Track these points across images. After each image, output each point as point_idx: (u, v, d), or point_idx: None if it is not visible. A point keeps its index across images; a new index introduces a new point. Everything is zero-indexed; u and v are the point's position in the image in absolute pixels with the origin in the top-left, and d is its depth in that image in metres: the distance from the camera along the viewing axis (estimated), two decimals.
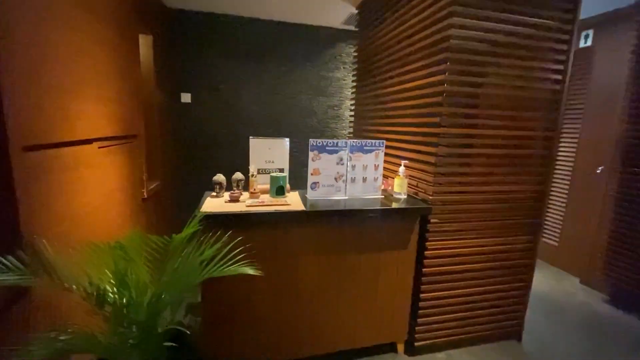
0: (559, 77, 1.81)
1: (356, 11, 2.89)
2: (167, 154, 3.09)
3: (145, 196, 2.40)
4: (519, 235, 1.97)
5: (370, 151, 1.88)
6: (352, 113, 3.01)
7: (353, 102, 2.98)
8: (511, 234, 1.95)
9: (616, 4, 2.65)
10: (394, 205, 1.76)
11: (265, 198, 1.72)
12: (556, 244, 3.28)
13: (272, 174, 1.77)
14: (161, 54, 2.87)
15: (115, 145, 1.91)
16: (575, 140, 3.11)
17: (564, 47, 1.78)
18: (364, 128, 2.69)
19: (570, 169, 3.16)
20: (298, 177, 2.40)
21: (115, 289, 1.21)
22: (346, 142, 1.82)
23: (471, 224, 1.86)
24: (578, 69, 2.96)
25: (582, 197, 3.03)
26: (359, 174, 1.88)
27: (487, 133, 1.79)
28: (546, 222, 3.33)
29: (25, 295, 1.12)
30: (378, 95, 2.39)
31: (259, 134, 3.32)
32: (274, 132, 3.58)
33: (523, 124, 1.84)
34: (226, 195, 1.72)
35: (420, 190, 1.88)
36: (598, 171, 2.87)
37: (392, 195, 1.92)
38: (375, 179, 1.92)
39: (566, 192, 3.20)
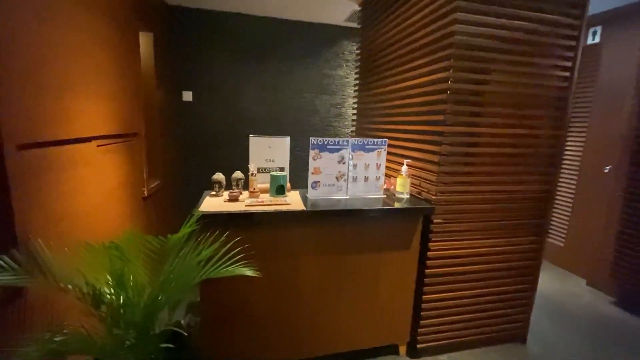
0: (567, 74, 1.76)
1: (359, 8, 2.85)
2: (168, 153, 3.08)
3: (146, 195, 2.39)
4: (524, 236, 1.93)
5: (372, 150, 1.84)
6: (355, 111, 2.97)
7: (356, 100, 2.94)
8: (516, 235, 1.91)
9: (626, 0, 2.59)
10: (397, 205, 1.72)
11: (265, 197, 1.69)
12: (562, 244, 3.23)
13: (272, 173, 1.74)
14: (162, 52, 2.85)
15: (115, 143, 1.90)
16: (582, 139, 3.05)
17: (572, 43, 1.73)
18: (367, 126, 2.65)
19: (577, 168, 3.10)
20: (300, 176, 2.38)
21: (111, 290, 1.19)
22: (347, 141, 1.79)
23: (475, 225, 1.83)
24: (585, 66, 2.90)
25: (589, 197, 2.98)
26: (360, 173, 1.85)
27: (492, 131, 1.75)
28: (552, 222, 3.28)
29: (21, 295, 1.10)
30: (381, 93, 2.35)
31: (261, 132, 3.29)
32: (276, 130, 3.56)
33: (529, 122, 1.80)
34: (225, 194, 1.70)
35: (423, 189, 1.84)
36: (605, 170, 2.81)
37: (394, 195, 1.89)
38: (377, 178, 1.89)
39: (572, 191, 3.14)
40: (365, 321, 1.78)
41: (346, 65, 3.67)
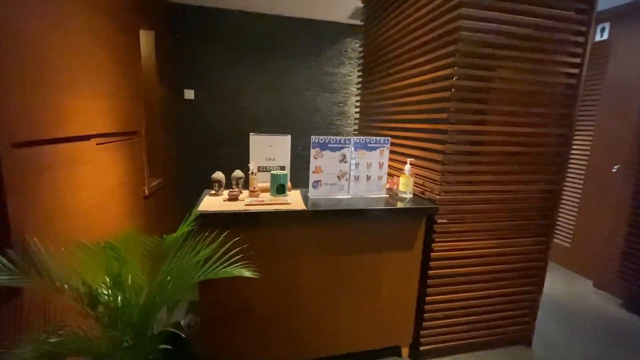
0: (575, 70, 1.72)
1: (362, 5, 2.81)
2: (169, 151, 3.07)
3: (147, 193, 2.38)
4: (529, 237, 1.89)
5: (375, 148, 1.81)
6: (357, 110, 2.94)
7: (358, 98, 2.91)
8: (521, 236, 1.87)
9: None
10: (399, 204, 1.69)
11: (265, 197, 1.67)
12: (568, 244, 3.17)
13: (272, 172, 1.72)
14: (163, 50, 2.83)
15: (115, 142, 1.88)
16: (590, 138, 2.99)
17: (581, 39, 1.69)
18: (369, 125, 2.62)
19: (584, 167, 3.04)
20: (302, 175, 2.35)
21: (109, 290, 1.18)
22: (349, 139, 1.75)
23: (479, 225, 1.79)
24: (593, 63, 2.84)
25: (596, 197, 2.92)
26: (362, 172, 1.81)
27: (497, 130, 1.71)
28: (558, 222, 3.22)
29: (17, 295, 1.09)
30: (384, 91, 2.32)
31: (263, 130, 3.27)
32: (278, 128, 3.54)
33: (535, 120, 1.76)
34: (225, 193, 1.68)
35: (426, 189, 1.81)
36: (613, 170, 2.75)
37: (397, 195, 1.86)
38: (380, 178, 1.85)
39: (579, 191, 3.08)
40: (366, 322, 1.75)
41: (349, 63, 3.64)
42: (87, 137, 1.56)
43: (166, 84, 2.94)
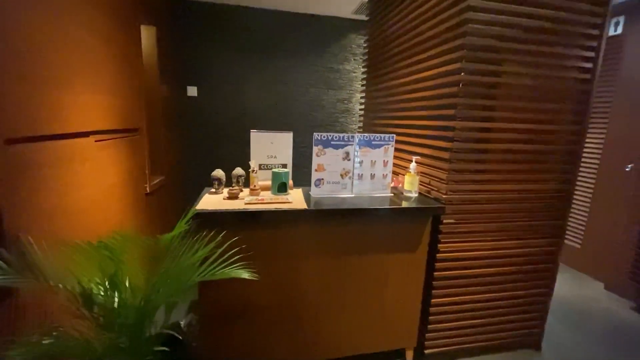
0: (590, 65, 1.64)
1: None
2: (172, 148, 3.05)
3: (148, 191, 2.36)
4: (539, 238, 1.82)
5: (379, 146, 1.76)
6: (362, 107, 2.88)
7: (363, 95, 2.85)
8: (531, 237, 1.81)
9: None
10: (404, 204, 1.64)
11: (266, 195, 1.63)
12: (578, 245, 3.09)
13: (274, 170, 1.67)
14: (166, 46, 2.80)
15: (115, 139, 1.86)
16: (602, 136, 2.90)
17: (596, 32, 1.61)
18: (374, 122, 2.56)
19: (596, 165, 2.95)
20: (305, 173, 2.31)
21: (104, 291, 1.15)
22: (353, 136, 1.70)
23: (487, 225, 1.73)
24: (606, 59, 2.74)
25: (608, 196, 2.83)
26: (366, 171, 1.76)
27: (507, 127, 1.64)
28: (568, 223, 3.13)
29: (10, 295, 1.06)
30: (389, 87, 2.26)
31: (266, 127, 3.23)
32: (281, 126, 3.50)
33: (547, 116, 1.69)
34: (225, 191, 1.64)
35: (432, 188, 1.75)
36: (627, 169, 2.66)
37: (402, 194, 1.80)
38: (384, 176, 1.80)
39: (591, 190, 3.00)
40: (369, 324, 1.71)
41: (354, 60, 3.58)
42: (85, 134, 1.53)
43: (169, 81, 2.91)
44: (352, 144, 1.70)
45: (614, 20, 2.79)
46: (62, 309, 1.12)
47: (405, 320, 1.75)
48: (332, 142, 1.68)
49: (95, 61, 1.62)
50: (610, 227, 2.78)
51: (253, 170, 1.64)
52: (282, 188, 1.66)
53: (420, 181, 1.82)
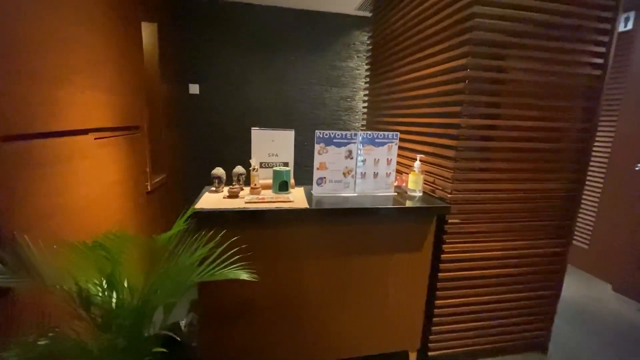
0: (600, 60, 1.59)
1: None
2: (174, 146, 3.03)
3: (150, 189, 2.34)
4: (547, 239, 1.78)
5: (383, 144, 1.72)
6: (365, 104, 2.85)
7: (366, 93, 2.81)
8: (538, 237, 1.77)
9: None
10: (408, 203, 1.60)
11: (267, 194, 1.60)
12: (586, 246, 3.03)
13: (275, 168, 1.65)
14: (167, 43, 2.78)
15: (115, 136, 1.84)
16: (611, 134, 2.84)
17: (607, 26, 1.56)
18: (378, 120, 2.53)
19: (605, 164, 2.89)
20: (307, 171, 2.28)
21: (102, 291, 1.13)
22: (356, 134, 1.67)
23: (493, 225, 1.69)
24: (616, 54, 2.67)
25: (617, 196, 2.77)
26: (369, 169, 1.73)
27: (514, 124, 1.60)
28: (576, 223, 3.08)
29: (6, 295, 1.05)
30: (393, 85, 2.22)
31: (269, 125, 3.20)
32: (284, 123, 3.47)
33: (555, 114, 1.65)
34: (225, 190, 1.62)
35: (437, 187, 1.72)
36: (637, 168, 2.60)
37: (406, 193, 1.77)
38: (388, 175, 1.77)
39: (599, 189, 2.94)
40: (372, 326, 1.68)
41: (357, 57, 3.54)
42: (84, 132, 1.52)
43: (170, 79, 2.89)
44: (355, 142, 1.67)
45: (624, 15, 2.72)
46: (59, 309, 1.11)
47: (408, 322, 1.72)
48: (334, 140, 1.64)
49: (95, 58, 1.60)
50: (619, 228, 2.72)
51: (254, 169, 1.61)
52: (283, 187, 1.64)
53: (425, 180, 1.78)
